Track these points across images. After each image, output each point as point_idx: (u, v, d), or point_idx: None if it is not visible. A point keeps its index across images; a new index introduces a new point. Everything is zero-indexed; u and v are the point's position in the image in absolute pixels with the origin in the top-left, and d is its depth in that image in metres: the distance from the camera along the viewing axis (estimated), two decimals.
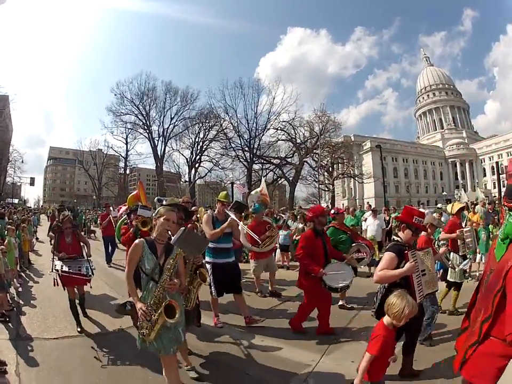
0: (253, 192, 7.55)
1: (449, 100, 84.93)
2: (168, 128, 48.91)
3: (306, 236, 4.75)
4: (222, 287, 4.89)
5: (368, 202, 22.60)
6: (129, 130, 49.50)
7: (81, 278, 5.03)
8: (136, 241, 2.92)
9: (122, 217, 8.46)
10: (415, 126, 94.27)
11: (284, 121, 44.64)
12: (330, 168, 45.02)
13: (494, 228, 7.87)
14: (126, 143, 50.71)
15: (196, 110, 48.11)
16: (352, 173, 47.11)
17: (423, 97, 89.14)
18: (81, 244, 5.52)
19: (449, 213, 8.95)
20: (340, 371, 3.59)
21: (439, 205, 11.99)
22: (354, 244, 5.63)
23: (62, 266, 4.98)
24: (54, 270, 4.93)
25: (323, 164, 44.53)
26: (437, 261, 4.54)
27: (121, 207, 10.75)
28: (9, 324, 5.09)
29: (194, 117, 48.34)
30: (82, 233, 19.53)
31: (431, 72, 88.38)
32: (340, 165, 46.33)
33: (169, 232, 3.03)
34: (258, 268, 6.76)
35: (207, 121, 47.09)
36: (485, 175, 68.56)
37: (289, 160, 45.51)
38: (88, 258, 5.37)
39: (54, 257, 5.12)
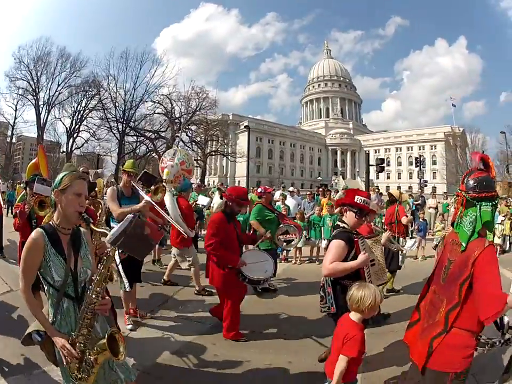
0: (173, 164, 6.00)
1: (340, 92, 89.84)
2: (53, 95, 46.95)
3: (217, 220, 3.91)
4: (131, 277, 4.06)
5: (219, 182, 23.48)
6: (20, 96, 46.75)
7: None
8: (33, 234, 1.84)
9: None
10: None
11: (162, 95, 44.85)
12: (203, 144, 46.36)
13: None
14: (15, 110, 48.17)
15: (82, 78, 46.84)
16: (225, 151, 48.98)
17: (314, 86, 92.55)
18: None
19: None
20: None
21: (291, 188, 10.87)
22: (281, 225, 5.16)
23: None
24: None
25: (196, 140, 45.78)
26: None
27: None
28: None
29: (80, 85, 47.10)
30: None
31: (328, 64, 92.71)
32: (214, 142, 47.71)
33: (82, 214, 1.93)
34: (194, 255, 5.56)
35: (90, 89, 46.12)
36: (371, 166, 73.74)
37: (162, 134, 45.93)
38: None
39: None
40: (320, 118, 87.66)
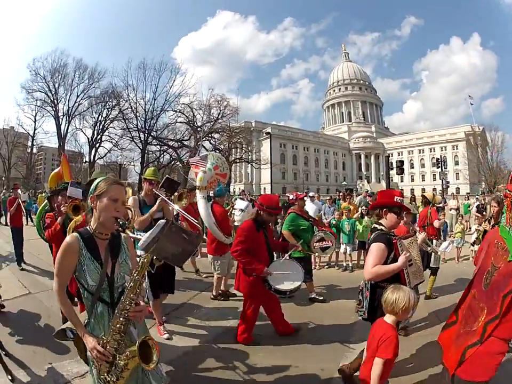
0: (206, 169, 5.90)
1: (361, 95, 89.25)
2: (73, 106, 47.61)
3: (246, 228, 3.91)
4: (158, 287, 3.99)
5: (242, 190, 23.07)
6: (38, 108, 47.71)
7: None
8: (68, 238, 1.83)
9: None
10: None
11: (183, 104, 44.95)
12: (227, 152, 45.89)
13: (367, 220, 7.58)
14: (35, 121, 48.90)
15: (101, 89, 47.45)
16: (249, 158, 48.29)
17: (334, 90, 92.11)
18: None
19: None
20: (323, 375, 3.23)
21: (311, 193, 10.64)
22: (317, 232, 5.10)
23: None
24: None
25: (220, 148, 45.36)
26: None
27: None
28: None
29: (99, 96, 47.29)
30: None
31: (347, 67, 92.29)
32: (238, 149, 47.42)
33: (118, 219, 1.88)
34: (224, 265, 5.40)
35: (110, 100, 46.32)
36: (392, 169, 72.77)
37: (185, 143, 45.70)
38: None
39: None
40: (343, 122, 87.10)
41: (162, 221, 2.16)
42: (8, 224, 9.75)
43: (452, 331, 2.29)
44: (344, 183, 66.72)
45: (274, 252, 4.32)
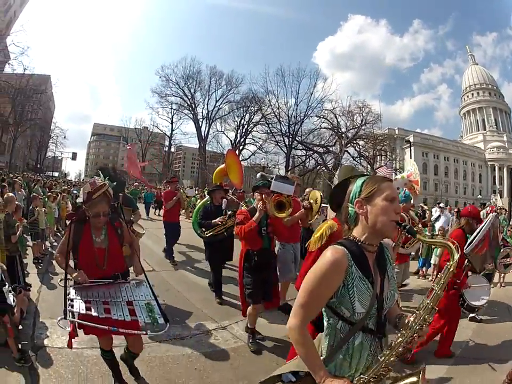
0: (399, 177, 6.07)
1: (492, 101, 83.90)
2: (212, 110, 49.85)
3: (458, 236, 3.77)
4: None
5: None
6: (175, 111, 50.87)
7: (133, 332, 2.51)
8: (333, 253, 1.39)
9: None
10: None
11: (327, 110, 45.58)
12: (372, 159, 45.65)
13: None
14: (171, 123, 52.11)
15: (241, 94, 49.12)
16: (393, 166, 47.74)
17: (468, 96, 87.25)
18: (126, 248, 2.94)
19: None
20: None
21: (441, 205, 11.45)
22: (503, 248, 5.02)
23: (85, 306, 2.39)
24: (68, 316, 2.32)
25: (364, 155, 45.41)
26: None
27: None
28: (41, 265, 6.48)
29: (239, 101, 49.25)
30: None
31: (475, 71, 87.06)
32: (382, 157, 46.95)
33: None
34: (400, 274, 5.37)
35: (252, 105, 47.97)
36: None
37: (330, 148, 46.18)
38: (146, 279, 2.76)
39: (68, 280, 2.52)
40: (478, 130, 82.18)
41: (491, 215, 2.11)
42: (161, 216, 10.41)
43: None
44: (479, 196, 63.17)
45: None
